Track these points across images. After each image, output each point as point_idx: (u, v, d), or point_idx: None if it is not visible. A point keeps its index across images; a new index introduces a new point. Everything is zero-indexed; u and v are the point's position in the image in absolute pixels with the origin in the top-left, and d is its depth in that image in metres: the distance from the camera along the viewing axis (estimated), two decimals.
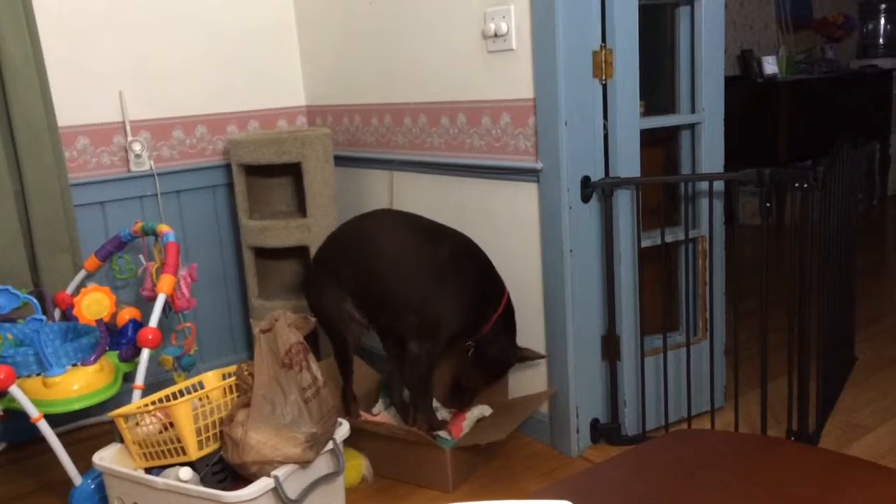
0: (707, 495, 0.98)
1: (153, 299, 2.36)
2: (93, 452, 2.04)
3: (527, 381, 2.54)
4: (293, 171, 2.91)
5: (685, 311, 2.55)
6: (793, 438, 2.33)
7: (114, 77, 2.83)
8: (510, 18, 2.31)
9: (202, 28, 3.01)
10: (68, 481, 2.20)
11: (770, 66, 5.19)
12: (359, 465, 2.35)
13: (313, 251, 2.79)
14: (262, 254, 2.94)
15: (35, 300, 2.41)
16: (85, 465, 2.14)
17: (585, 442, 2.47)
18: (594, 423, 2.48)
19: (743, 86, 5.08)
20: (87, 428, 2.77)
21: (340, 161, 3.07)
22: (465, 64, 2.50)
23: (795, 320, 2.24)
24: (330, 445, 2.03)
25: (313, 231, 2.79)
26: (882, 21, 5.99)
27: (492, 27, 2.35)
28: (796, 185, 2.16)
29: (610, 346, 2.44)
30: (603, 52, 2.28)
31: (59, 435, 2.19)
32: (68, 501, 2.18)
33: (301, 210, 2.90)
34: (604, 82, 2.31)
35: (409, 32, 2.69)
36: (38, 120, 2.58)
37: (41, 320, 2.31)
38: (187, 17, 2.97)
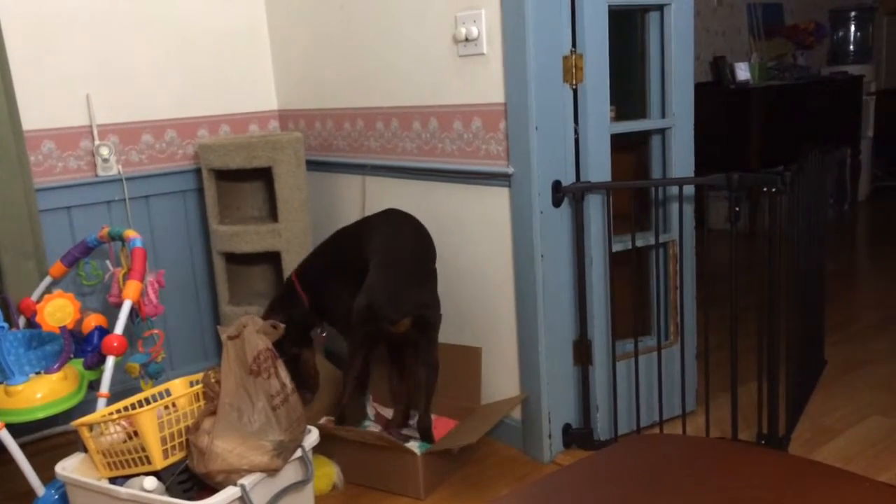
0: (665, 500, 0.97)
1: (120, 306, 2.32)
2: (57, 462, 2.00)
3: (498, 387, 2.53)
4: (264, 176, 2.88)
5: (656, 315, 2.55)
6: (763, 442, 2.34)
7: (80, 80, 2.79)
8: (481, 23, 2.30)
9: (171, 31, 2.97)
10: (32, 492, 2.15)
11: (742, 72, 5.24)
12: (330, 473, 2.32)
13: (285, 256, 2.77)
14: (233, 259, 2.91)
15: None
16: (49, 476, 2.09)
17: (558, 447, 2.46)
18: (566, 429, 2.47)
19: (716, 92, 5.12)
20: (53, 437, 2.72)
21: (313, 166, 3.05)
22: (436, 68, 2.50)
23: (765, 324, 2.25)
24: (298, 453, 2.00)
25: (284, 236, 2.77)
26: (852, 28, 6.08)
27: (463, 31, 2.35)
28: (764, 189, 2.17)
29: (582, 351, 2.44)
30: (573, 57, 2.28)
31: (23, 445, 2.15)
32: None
33: (272, 215, 2.88)
34: (574, 87, 2.31)
35: (381, 37, 2.68)
36: (3, 124, 2.53)
37: (3, 328, 2.26)
38: (156, 20, 2.94)
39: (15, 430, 2.12)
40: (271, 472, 1.91)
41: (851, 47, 6.07)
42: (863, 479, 1.01)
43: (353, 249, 2.41)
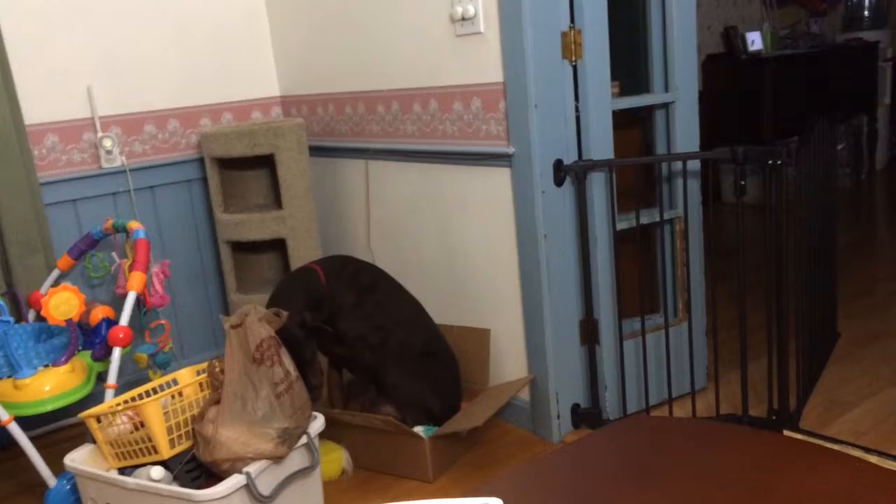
0: (649, 484, 0.96)
1: (126, 297, 2.33)
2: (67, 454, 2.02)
3: (506, 368, 2.52)
4: (268, 163, 2.87)
5: (664, 292, 2.52)
6: (774, 417, 2.31)
7: (81, 72, 2.79)
8: (477, 1, 2.27)
9: (170, 20, 2.96)
10: (43, 483, 2.18)
11: (755, 41, 5.15)
12: (338, 458, 2.33)
13: (290, 244, 2.77)
14: (239, 248, 2.91)
15: (2, 302, 2.38)
16: (61, 468, 2.11)
17: (567, 427, 2.45)
18: (575, 409, 2.46)
19: (727, 62, 5.03)
20: (65, 429, 2.74)
21: (316, 151, 3.03)
22: (434, 49, 2.47)
23: (773, 299, 2.22)
24: (304, 440, 2.01)
25: (289, 223, 2.76)
26: None
27: (459, 10, 2.31)
28: (770, 161, 2.13)
29: (588, 331, 2.42)
30: (572, 33, 2.24)
31: (34, 438, 2.18)
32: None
33: (277, 202, 2.87)
34: (574, 63, 2.27)
35: (379, 19, 2.65)
36: (5, 119, 2.54)
37: (8, 322, 2.28)
38: (154, 9, 2.92)
39: (25, 423, 2.14)
40: (276, 459, 1.92)
41: (866, 13, 5.94)
42: (854, 459, 0.99)
43: (407, 306, 2.48)
